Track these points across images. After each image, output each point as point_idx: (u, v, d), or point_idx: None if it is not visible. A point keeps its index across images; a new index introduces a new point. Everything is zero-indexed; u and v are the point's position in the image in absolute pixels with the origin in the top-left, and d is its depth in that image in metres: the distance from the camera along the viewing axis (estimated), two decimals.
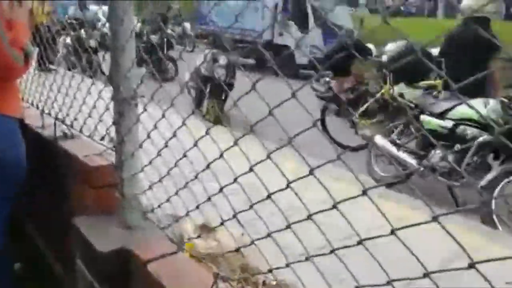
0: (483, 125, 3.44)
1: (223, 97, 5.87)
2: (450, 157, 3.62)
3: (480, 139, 3.38)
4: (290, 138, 0.92)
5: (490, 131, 3.40)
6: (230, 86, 5.83)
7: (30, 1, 1.89)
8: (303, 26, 11.60)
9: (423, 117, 3.94)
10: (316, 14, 11.75)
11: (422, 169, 3.78)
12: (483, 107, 3.48)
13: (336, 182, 2.12)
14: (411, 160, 3.86)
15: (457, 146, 3.62)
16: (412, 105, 4.08)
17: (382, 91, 5.29)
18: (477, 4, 4.07)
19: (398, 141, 4.09)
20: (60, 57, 7.61)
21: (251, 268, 1.64)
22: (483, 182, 3.25)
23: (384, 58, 4.61)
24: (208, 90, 5.72)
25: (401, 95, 4.23)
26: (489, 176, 3.23)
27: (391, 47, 4.58)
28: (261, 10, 12.30)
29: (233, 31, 12.58)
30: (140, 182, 1.41)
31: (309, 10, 11.83)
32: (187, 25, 15.47)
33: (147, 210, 1.41)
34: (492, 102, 3.46)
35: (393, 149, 4.05)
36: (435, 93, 4.36)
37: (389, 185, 4.18)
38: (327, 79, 8.55)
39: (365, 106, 5.43)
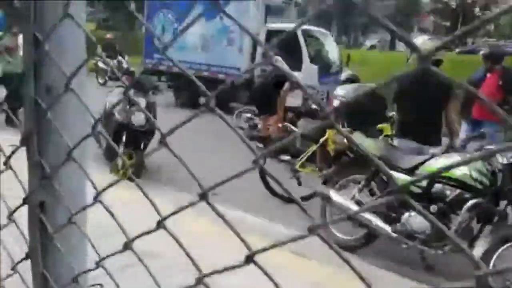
0: (464, 184, 3.03)
1: (142, 147, 4.94)
2: (424, 219, 3.15)
3: (470, 203, 2.94)
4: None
5: (474, 192, 3.00)
6: (151, 133, 4.93)
7: None
8: (295, 64, 9.32)
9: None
10: (311, 51, 10.32)
11: (396, 236, 3.26)
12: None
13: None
14: (384, 225, 3.33)
15: (434, 208, 3.17)
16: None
17: (326, 136, 4.81)
18: (430, 46, 3.77)
19: (360, 200, 3.54)
20: None
21: None
22: (477, 253, 2.79)
23: (336, 103, 4.12)
24: (124, 139, 4.76)
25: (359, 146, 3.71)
26: (482, 245, 2.79)
27: (342, 91, 4.11)
28: (240, 45, 10.76)
29: (202, 67, 11.24)
30: None
31: (303, 46, 9.99)
32: (122, 59, 14.17)
33: None
34: None
35: (355, 209, 3.49)
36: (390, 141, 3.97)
37: (351, 249, 3.62)
38: (248, 115, 8.01)
39: (306, 153, 4.89)
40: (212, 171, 5.58)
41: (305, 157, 4.86)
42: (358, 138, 3.80)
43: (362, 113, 3.97)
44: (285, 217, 4.30)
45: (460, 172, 3.04)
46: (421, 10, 38.55)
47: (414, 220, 3.18)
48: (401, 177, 3.35)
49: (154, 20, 12.12)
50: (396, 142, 3.90)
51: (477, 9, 34.69)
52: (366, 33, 40.79)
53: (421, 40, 3.93)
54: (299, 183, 4.83)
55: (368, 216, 3.43)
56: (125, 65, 13.86)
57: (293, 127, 6.90)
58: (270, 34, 9.85)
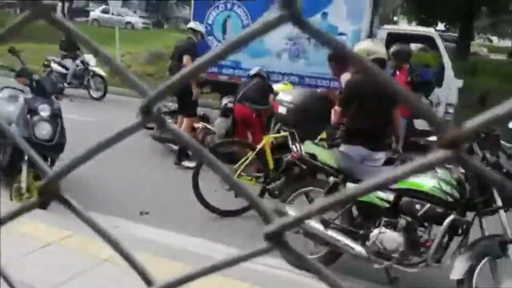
0: (434, 197, 2.95)
1: (49, 164, 4.08)
2: (396, 236, 3.03)
3: (450, 218, 2.86)
4: None
5: (445, 205, 2.93)
6: (60, 147, 4.11)
7: None
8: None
9: (350, 186, 3.27)
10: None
11: (366, 254, 3.08)
12: (431, 176, 3.01)
13: None
14: (353, 245, 3.13)
15: (402, 222, 3.06)
16: (332, 170, 3.38)
17: (263, 143, 4.48)
18: (374, 47, 3.65)
19: (324, 217, 3.30)
20: None
21: None
22: (456, 275, 2.73)
23: (282, 110, 3.78)
24: (26, 156, 3.86)
25: (313, 156, 3.47)
26: (462, 263, 2.73)
27: (287, 96, 3.79)
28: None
29: (291, 79, 7.87)
30: None
31: (444, 55, 7.82)
32: (88, 57, 10.28)
33: None
34: (439, 170, 3.01)
35: (320, 228, 3.26)
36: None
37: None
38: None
39: (242, 161, 4.51)
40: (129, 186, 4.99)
41: (242, 166, 4.48)
42: (310, 147, 3.54)
43: (308, 120, 3.73)
44: (223, 235, 3.93)
45: (429, 185, 2.95)
46: None
47: (385, 237, 3.03)
48: None
49: (208, 15, 8.58)
50: (343, 148, 3.73)
51: None
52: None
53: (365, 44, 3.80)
54: (237, 195, 4.47)
55: (333, 234, 3.21)
56: (93, 67, 10.24)
57: (209, 126, 6.48)
58: (392, 37, 7.50)
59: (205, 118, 6.81)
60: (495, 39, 37.98)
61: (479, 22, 20.35)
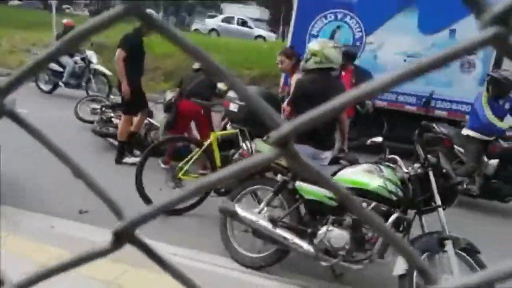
0: (379, 196, 3.04)
1: None
2: (343, 234, 3.10)
3: (394, 216, 2.96)
4: None
5: (389, 204, 3.03)
6: None
7: None
8: None
9: (299, 185, 3.30)
10: None
11: (314, 252, 3.12)
12: (376, 175, 3.10)
13: None
14: (301, 242, 3.15)
15: (348, 219, 3.13)
16: (281, 168, 3.39)
17: (210, 140, 4.42)
18: (334, 55, 3.70)
19: (273, 215, 3.30)
20: None
21: None
22: (398, 271, 2.84)
23: (233, 107, 3.73)
24: None
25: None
26: (402, 261, 2.84)
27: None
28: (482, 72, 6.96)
29: (409, 100, 7.23)
30: None
31: None
32: (90, 53, 9.31)
33: None
34: (385, 170, 3.11)
35: (268, 226, 3.25)
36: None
37: (258, 268, 3.39)
38: (96, 106, 6.96)
39: (190, 159, 4.41)
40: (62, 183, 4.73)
41: (189, 163, 4.38)
42: (261, 146, 3.53)
43: (259, 118, 3.71)
44: (167, 234, 3.83)
45: (375, 184, 3.04)
46: None
47: (332, 235, 3.08)
48: (314, 189, 3.23)
49: (313, 25, 7.82)
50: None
51: None
52: (193, 15, 40.68)
53: None
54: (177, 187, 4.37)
55: (281, 232, 3.22)
56: (95, 65, 9.25)
57: (152, 121, 6.29)
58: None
59: (148, 113, 6.60)
60: None
61: None
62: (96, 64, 9.30)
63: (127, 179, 4.44)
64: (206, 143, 4.39)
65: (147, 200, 4.19)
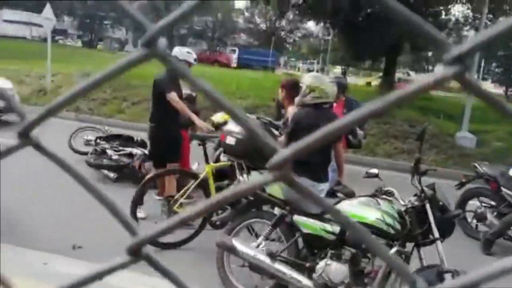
0: (377, 229, 3.05)
1: None
2: (342, 268, 3.08)
3: (392, 250, 2.96)
4: None
5: (387, 237, 3.04)
6: None
7: None
8: None
9: (297, 218, 3.29)
10: None
11: (313, 287, 3.09)
12: (374, 208, 3.11)
13: None
14: (300, 277, 3.12)
15: (347, 253, 3.12)
16: (279, 202, 3.39)
17: (206, 171, 4.41)
18: (330, 90, 3.78)
19: (272, 250, 3.28)
20: None
21: None
22: None
23: (230, 140, 3.75)
24: None
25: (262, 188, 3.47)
26: None
27: (235, 127, 3.76)
28: None
29: None
30: None
31: None
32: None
33: None
34: (382, 203, 3.13)
35: (267, 261, 3.22)
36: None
37: None
38: (90, 137, 6.91)
39: (183, 191, 4.39)
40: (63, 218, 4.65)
41: (184, 196, 4.36)
42: (257, 179, 3.53)
43: (257, 151, 3.73)
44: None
45: (373, 217, 3.05)
46: (236, 28, 40.97)
47: (331, 269, 3.06)
48: (312, 223, 3.23)
49: None
50: None
51: (283, 32, 38.70)
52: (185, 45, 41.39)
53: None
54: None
55: (280, 267, 3.19)
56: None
57: (146, 152, 6.24)
58: None
59: (142, 144, 6.57)
60: (413, 74, 41.30)
61: (401, 57, 21.96)
62: None
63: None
64: (201, 175, 4.38)
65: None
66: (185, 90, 5.19)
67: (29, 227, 4.35)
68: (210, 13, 37.13)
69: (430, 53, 25.26)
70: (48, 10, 13.39)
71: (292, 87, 4.77)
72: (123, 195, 5.41)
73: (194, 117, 4.69)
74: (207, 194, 4.40)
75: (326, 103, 3.78)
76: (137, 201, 4.22)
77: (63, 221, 4.58)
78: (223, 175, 4.71)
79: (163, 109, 4.72)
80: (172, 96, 4.64)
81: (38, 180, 5.46)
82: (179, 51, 5.20)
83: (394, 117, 10.48)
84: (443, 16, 16.76)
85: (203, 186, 4.39)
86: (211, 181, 4.42)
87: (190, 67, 4.99)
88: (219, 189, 4.50)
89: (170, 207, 4.34)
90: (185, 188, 4.40)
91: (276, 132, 4.40)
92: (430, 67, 36.95)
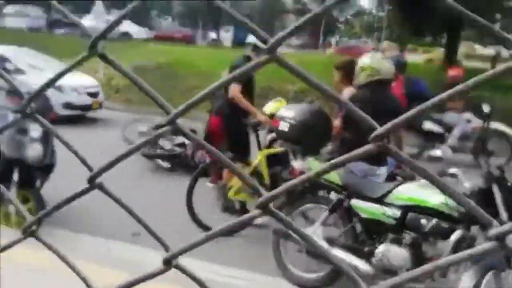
0: (440, 213, 2.90)
1: (38, 185, 3.94)
2: (403, 252, 2.97)
3: (456, 234, 2.81)
4: None
5: (451, 221, 2.88)
6: (49, 169, 3.98)
7: None
8: None
9: (355, 203, 3.20)
10: None
11: (373, 272, 3.01)
12: (437, 191, 2.95)
13: None
14: (359, 262, 3.05)
15: (407, 237, 3.00)
16: (336, 187, 3.31)
17: (259, 158, 4.40)
18: (382, 65, 3.61)
19: (329, 235, 3.22)
20: None
21: None
22: (465, 286, 2.68)
23: (284, 126, 3.70)
24: (15, 178, 3.71)
25: (317, 174, 3.40)
26: (469, 278, 2.68)
27: (289, 112, 3.71)
28: None
29: None
30: None
31: None
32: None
33: None
34: None
35: (325, 245, 3.17)
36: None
37: None
38: (143, 129, 7.10)
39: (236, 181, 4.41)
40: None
41: (238, 182, 4.38)
42: (313, 164, 3.48)
43: (312, 136, 3.65)
44: (218, 255, 3.80)
45: (435, 201, 2.91)
46: (283, 10, 40.38)
47: (392, 253, 2.96)
48: (371, 207, 3.13)
49: None
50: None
51: (334, 11, 37.70)
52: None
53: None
54: (233, 212, 4.34)
55: (338, 252, 3.13)
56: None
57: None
58: None
59: (193, 132, 6.67)
60: (478, 47, 38.71)
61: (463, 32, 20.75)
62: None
63: (176, 200, 4.47)
64: (255, 162, 4.37)
65: (196, 220, 4.22)
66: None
67: (91, 215, 4.55)
68: None
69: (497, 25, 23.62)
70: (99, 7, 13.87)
71: (347, 68, 4.60)
72: (177, 184, 5.58)
73: (254, 110, 4.60)
74: (261, 181, 4.40)
75: (381, 82, 3.62)
76: (192, 189, 4.29)
77: (120, 209, 4.75)
78: (277, 161, 4.67)
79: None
80: (233, 87, 4.48)
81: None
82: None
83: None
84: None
85: (257, 172, 4.39)
86: (264, 167, 4.41)
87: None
88: (273, 175, 4.48)
89: (225, 194, 4.37)
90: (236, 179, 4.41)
91: None
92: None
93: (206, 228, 4.21)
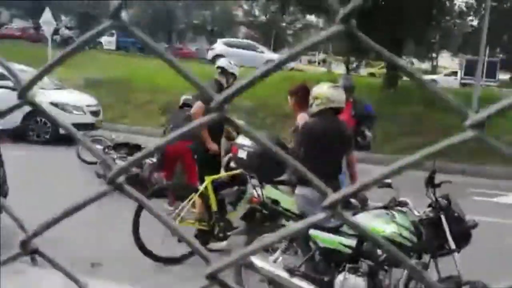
0: (394, 242, 3.06)
1: None
2: (360, 281, 3.11)
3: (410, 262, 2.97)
4: None
5: (404, 250, 3.05)
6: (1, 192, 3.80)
7: None
8: None
9: (313, 232, 3.31)
10: None
11: None
12: (390, 221, 3.13)
13: None
14: None
15: (364, 266, 3.15)
16: (294, 216, 3.41)
17: (206, 183, 4.38)
18: (333, 94, 3.76)
19: (289, 265, 3.31)
20: None
21: None
22: None
23: (242, 154, 3.75)
24: None
25: (275, 201, 3.50)
26: None
27: (246, 140, 3.76)
28: None
29: None
30: None
31: None
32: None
33: None
34: (397, 215, 3.15)
35: (285, 276, 3.25)
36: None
37: None
38: (101, 147, 6.89)
39: (184, 204, 4.37)
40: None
41: (185, 209, 4.35)
42: (271, 192, 3.57)
43: (269, 164, 3.73)
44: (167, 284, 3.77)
45: (389, 230, 3.07)
46: (235, 21, 40.63)
47: (350, 283, 3.09)
48: (328, 237, 3.25)
49: None
50: (299, 190, 3.78)
51: (283, 24, 38.48)
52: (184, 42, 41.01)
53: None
54: (180, 240, 4.28)
55: (298, 282, 3.22)
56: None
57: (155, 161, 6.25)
58: None
59: (138, 147, 6.57)
60: (415, 61, 40.78)
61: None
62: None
63: (124, 226, 4.34)
64: (201, 188, 4.38)
65: (143, 248, 4.15)
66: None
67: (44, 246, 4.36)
68: (208, 6, 36.85)
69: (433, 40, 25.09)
70: (47, 14, 13.36)
71: (300, 94, 4.75)
72: (131, 205, 5.44)
73: (206, 137, 4.63)
74: (208, 207, 4.40)
75: (333, 109, 3.75)
76: (139, 217, 4.16)
77: (79, 236, 4.59)
78: (228, 184, 4.69)
79: None
80: (197, 106, 4.59)
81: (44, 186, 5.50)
82: (226, 63, 4.97)
83: (399, 113, 10.44)
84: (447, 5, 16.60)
85: (204, 198, 4.40)
86: (211, 193, 4.40)
87: (235, 80, 4.89)
88: (220, 202, 4.49)
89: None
90: (186, 201, 4.37)
91: None
92: (434, 55, 36.57)
93: (154, 256, 4.16)
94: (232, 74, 4.86)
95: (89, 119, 9.27)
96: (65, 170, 6.87)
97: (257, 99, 11.73)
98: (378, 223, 3.12)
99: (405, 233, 3.06)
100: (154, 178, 6.05)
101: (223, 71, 4.85)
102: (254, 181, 3.73)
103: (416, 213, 3.22)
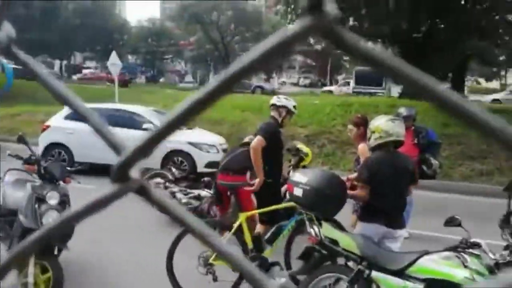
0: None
1: (55, 253, 3.93)
2: None
3: None
4: None
5: None
6: (68, 235, 3.97)
7: None
8: None
9: (375, 275, 3.14)
10: None
11: None
12: (461, 265, 2.90)
13: None
14: None
15: None
16: (355, 257, 3.26)
17: (239, 221, 4.28)
18: (391, 128, 3.61)
19: None
20: None
21: None
22: None
23: (298, 192, 3.68)
24: None
25: (334, 241, 3.36)
26: None
27: (302, 177, 3.70)
28: None
29: None
30: None
31: None
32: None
33: None
34: (469, 259, 2.91)
35: None
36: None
37: None
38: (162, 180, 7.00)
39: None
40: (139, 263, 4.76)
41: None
42: (330, 232, 3.44)
43: (326, 201, 3.62)
44: None
45: (461, 276, 2.84)
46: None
47: None
48: (392, 280, 3.06)
49: None
50: (361, 226, 3.63)
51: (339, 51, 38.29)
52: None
53: None
54: (215, 279, 4.13)
55: None
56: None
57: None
58: None
59: (208, 185, 6.60)
60: (482, 80, 38.90)
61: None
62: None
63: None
64: (235, 225, 4.26)
65: (176, 285, 4.16)
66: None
67: (97, 276, 4.48)
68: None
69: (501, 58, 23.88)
70: (114, 56, 14.35)
71: (360, 125, 4.65)
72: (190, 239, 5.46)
73: (259, 171, 4.57)
74: (243, 245, 4.26)
75: (392, 142, 3.60)
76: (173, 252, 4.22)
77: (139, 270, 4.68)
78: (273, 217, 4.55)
79: None
80: (258, 139, 4.48)
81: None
82: (275, 99, 4.95)
83: (469, 136, 9.89)
84: None
85: (238, 236, 4.28)
86: (246, 230, 4.28)
87: (291, 116, 4.93)
88: (256, 238, 4.38)
89: (205, 259, 4.20)
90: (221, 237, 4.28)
91: None
92: (503, 72, 34.80)
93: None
94: (284, 107, 4.79)
95: (220, 157, 9.36)
96: None
97: (314, 127, 11.65)
98: (446, 268, 2.90)
99: (479, 279, 2.82)
100: (213, 211, 6.07)
101: (274, 107, 4.84)
102: (310, 220, 3.63)
103: (491, 255, 2.96)
